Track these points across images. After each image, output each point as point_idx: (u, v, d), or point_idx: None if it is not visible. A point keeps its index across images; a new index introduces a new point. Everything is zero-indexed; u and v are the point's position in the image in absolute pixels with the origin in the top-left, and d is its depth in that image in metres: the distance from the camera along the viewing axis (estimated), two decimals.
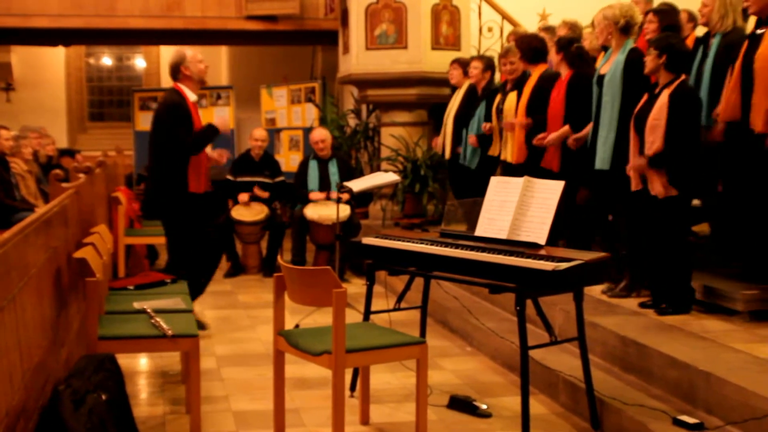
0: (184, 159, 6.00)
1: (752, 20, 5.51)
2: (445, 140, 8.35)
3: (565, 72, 6.17)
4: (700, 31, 6.22)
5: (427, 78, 9.34)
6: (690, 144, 4.96)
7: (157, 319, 4.38)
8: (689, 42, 5.97)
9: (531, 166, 6.34)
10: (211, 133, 6.07)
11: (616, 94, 5.52)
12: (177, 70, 6.13)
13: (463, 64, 8.36)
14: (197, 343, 4.26)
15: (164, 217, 6.25)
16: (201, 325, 6.07)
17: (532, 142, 6.41)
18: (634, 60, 5.47)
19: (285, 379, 4.22)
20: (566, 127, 6.10)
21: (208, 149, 6.31)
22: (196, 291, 6.05)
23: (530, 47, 6.67)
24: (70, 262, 4.51)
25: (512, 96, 7.08)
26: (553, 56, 6.18)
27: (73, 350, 4.50)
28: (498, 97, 7.42)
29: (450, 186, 8.81)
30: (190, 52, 6.19)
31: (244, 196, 8.93)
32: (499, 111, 7.30)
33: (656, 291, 5.27)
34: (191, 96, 6.11)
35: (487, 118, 7.59)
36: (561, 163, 6.18)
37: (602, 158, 5.58)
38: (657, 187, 5.04)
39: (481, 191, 4.60)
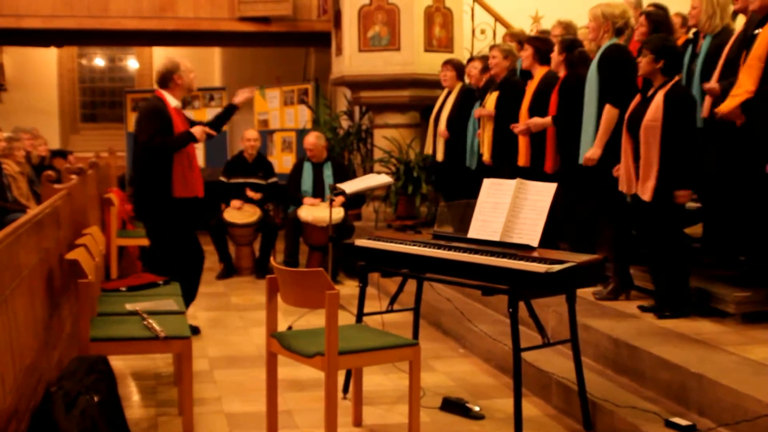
0: (167, 163, 5.99)
1: (740, 21, 5.55)
2: (436, 143, 8.32)
3: (562, 73, 6.18)
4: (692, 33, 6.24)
5: (420, 80, 9.35)
6: (687, 145, 4.96)
7: (150, 321, 4.37)
8: (678, 43, 5.99)
9: (534, 169, 6.34)
10: (187, 139, 6.06)
11: (593, 90, 5.57)
12: (169, 78, 6.12)
13: (456, 66, 8.31)
14: (190, 345, 4.26)
15: (148, 221, 6.26)
16: (194, 330, 6.03)
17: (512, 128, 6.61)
18: (607, 55, 5.53)
19: (278, 381, 4.22)
20: (548, 119, 6.17)
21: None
22: (188, 297, 6.02)
23: (545, 48, 6.66)
24: (62, 263, 4.50)
25: (492, 97, 7.10)
26: (555, 56, 6.15)
27: (65, 352, 4.48)
28: (487, 97, 7.41)
29: (439, 190, 8.79)
30: (183, 62, 6.19)
31: (236, 203, 8.91)
32: None
33: (658, 294, 5.26)
34: (172, 102, 6.12)
35: None
36: (562, 167, 6.18)
37: (583, 153, 5.63)
38: (646, 189, 5.04)
39: (473, 196, 4.58)
